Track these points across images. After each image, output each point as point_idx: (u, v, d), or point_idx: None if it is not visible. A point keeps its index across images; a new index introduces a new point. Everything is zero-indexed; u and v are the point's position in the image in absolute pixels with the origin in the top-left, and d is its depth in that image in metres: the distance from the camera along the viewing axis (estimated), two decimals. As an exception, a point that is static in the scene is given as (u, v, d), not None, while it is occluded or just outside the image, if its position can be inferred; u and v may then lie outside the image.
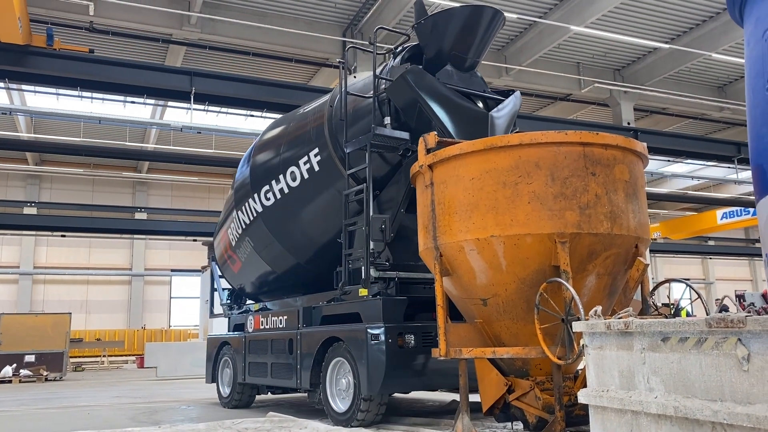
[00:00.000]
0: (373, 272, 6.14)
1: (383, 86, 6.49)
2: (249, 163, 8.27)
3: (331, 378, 6.59)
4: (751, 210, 24.18)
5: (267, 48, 17.26)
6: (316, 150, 6.96)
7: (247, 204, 8.04)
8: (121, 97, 14.73)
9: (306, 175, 7.09)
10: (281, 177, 7.38)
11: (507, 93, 6.66)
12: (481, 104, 6.52)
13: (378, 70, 6.62)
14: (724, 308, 21.41)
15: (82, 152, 15.95)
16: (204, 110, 14.75)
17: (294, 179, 7.21)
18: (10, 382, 15.71)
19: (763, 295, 26.25)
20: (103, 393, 12.06)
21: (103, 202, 27.84)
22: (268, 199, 7.62)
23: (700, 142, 19.98)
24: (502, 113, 6.25)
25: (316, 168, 6.97)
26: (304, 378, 6.99)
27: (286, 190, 7.34)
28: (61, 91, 15.11)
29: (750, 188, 26.81)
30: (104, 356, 24.07)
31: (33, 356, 16.56)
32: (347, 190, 6.57)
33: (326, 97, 7.52)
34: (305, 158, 7.07)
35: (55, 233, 25.31)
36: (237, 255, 8.66)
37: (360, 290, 6.32)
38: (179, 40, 16.96)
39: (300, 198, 7.24)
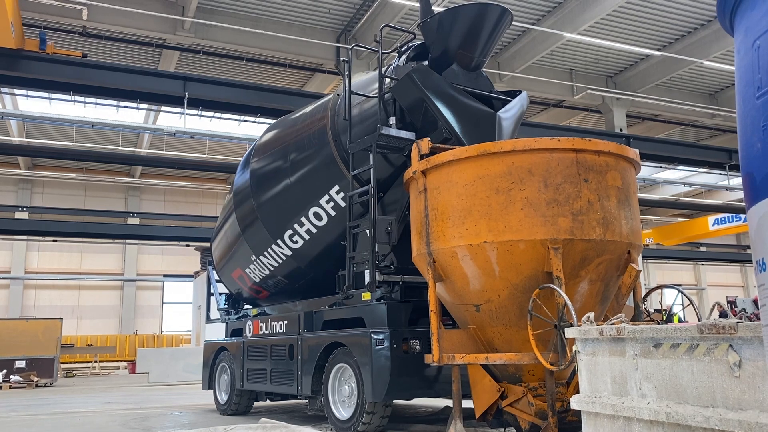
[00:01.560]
0: (377, 276, 6.02)
1: (387, 85, 6.40)
2: (248, 167, 8.21)
3: (334, 384, 6.51)
4: (743, 216, 24.32)
5: (261, 53, 17.27)
6: (337, 188, 6.82)
7: (270, 250, 7.84)
8: (114, 102, 14.70)
9: (333, 213, 6.97)
10: (304, 219, 7.23)
11: (513, 93, 6.58)
12: (487, 105, 6.43)
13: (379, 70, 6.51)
14: (723, 314, 21.50)
15: (74, 157, 15.90)
16: (197, 115, 14.73)
17: (320, 219, 7.08)
18: (0, 388, 15.59)
19: (755, 301, 26.37)
20: (94, 399, 11.98)
21: (95, 206, 27.73)
22: (295, 243, 7.47)
23: (692, 148, 20.10)
24: (509, 114, 6.16)
25: (342, 204, 6.85)
26: (305, 384, 6.90)
27: (314, 230, 7.22)
28: (53, 95, 15.07)
29: (741, 194, 26.96)
30: (96, 362, 23.93)
31: (23, 362, 16.44)
32: (351, 191, 6.47)
33: (328, 98, 7.43)
34: (326, 197, 6.93)
35: (46, 238, 25.22)
36: (264, 287, 8.55)
37: (363, 294, 6.24)
38: (173, 45, 16.94)
39: (330, 231, 7.13)
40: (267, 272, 8.16)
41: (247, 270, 8.51)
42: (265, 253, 7.95)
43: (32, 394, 13.69)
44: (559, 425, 4.65)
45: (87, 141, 22.80)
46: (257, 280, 8.47)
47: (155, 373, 16.66)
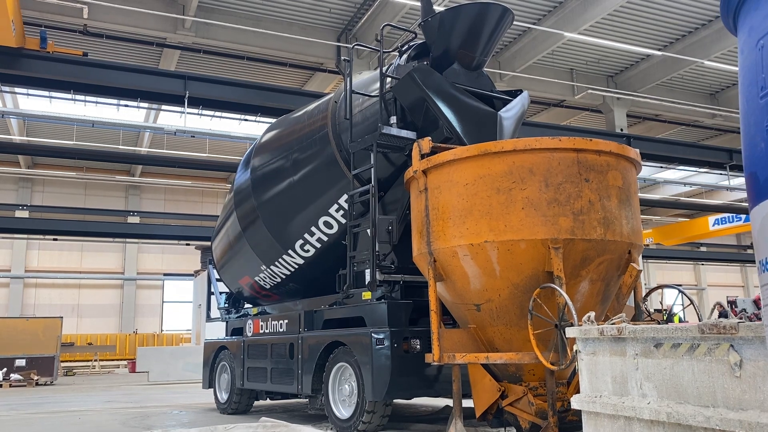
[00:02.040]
0: (378, 275, 6.02)
1: (388, 84, 6.40)
2: (249, 166, 8.21)
3: (334, 384, 6.51)
4: (743, 216, 24.31)
5: (261, 52, 17.26)
6: (346, 196, 6.81)
7: (281, 260, 7.84)
8: (115, 101, 14.68)
9: (343, 221, 6.95)
10: (314, 229, 7.22)
11: (514, 93, 6.57)
12: (488, 104, 6.40)
13: (376, 69, 6.50)
14: (723, 314, 21.51)
15: (74, 155, 15.88)
16: (198, 114, 14.72)
17: (330, 227, 7.08)
18: (0, 386, 15.59)
19: (755, 301, 26.37)
20: (94, 398, 11.99)
21: (95, 205, 27.74)
22: (306, 252, 7.47)
23: (693, 148, 20.09)
24: (510, 114, 6.15)
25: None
26: (306, 383, 6.91)
27: (325, 239, 7.22)
28: (54, 94, 15.07)
29: (742, 195, 26.98)
30: (96, 361, 23.93)
31: (24, 360, 16.45)
32: (352, 191, 6.47)
33: (329, 97, 7.41)
34: (335, 206, 6.91)
35: (46, 237, 25.21)
36: (275, 293, 8.56)
37: (364, 293, 6.24)
38: (173, 44, 16.94)
39: (341, 237, 7.13)
40: (279, 280, 8.20)
41: (257, 278, 8.53)
42: (276, 263, 7.98)
43: (32, 393, 13.69)
44: (560, 425, 4.66)
45: (87, 140, 22.79)
46: (268, 287, 8.51)
47: (155, 372, 16.66)
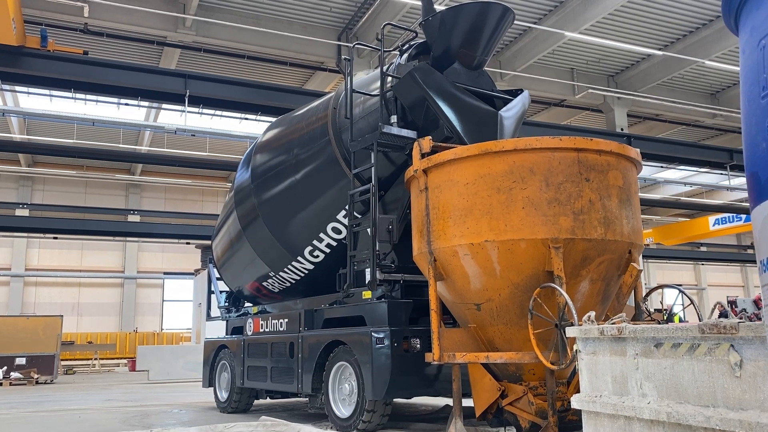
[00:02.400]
0: (378, 274, 6.03)
1: (389, 84, 6.41)
2: (250, 165, 8.21)
3: (334, 383, 6.52)
4: (743, 216, 24.30)
5: (262, 51, 17.26)
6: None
7: (291, 266, 7.85)
8: (115, 99, 14.68)
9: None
10: (323, 235, 7.23)
11: (515, 92, 6.57)
12: (488, 104, 6.39)
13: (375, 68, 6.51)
14: (723, 314, 21.53)
15: (75, 154, 15.87)
16: (198, 113, 14.71)
17: (338, 233, 7.09)
18: (0, 384, 15.60)
19: (755, 301, 26.37)
20: (94, 396, 11.99)
21: (95, 204, 27.73)
22: (316, 257, 7.47)
23: (693, 148, 20.08)
24: (510, 113, 6.15)
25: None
26: (306, 382, 6.91)
27: (334, 244, 7.22)
28: (54, 92, 15.06)
29: (742, 194, 26.97)
30: (96, 359, 23.94)
31: (24, 359, 16.45)
32: (352, 190, 6.47)
33: (329, 96, 7.40)
34: (343, 212, 6.90)
35: (47, 235, 25.19)
36: (280, 295, 8.59)
37: (364, 293, 6.24)
38: (174, 43, 16.94)
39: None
40: (288, 284, 8.22)
41: (265, 283, 8.54)
42: (286, 269, 8.00)
43: (32, 391, 13.70)
44: (560, 424, 4.66)
45: (88, 138, 22.78)
46: (276, 290, 8.52)
47: (155, 371, 16.66)
